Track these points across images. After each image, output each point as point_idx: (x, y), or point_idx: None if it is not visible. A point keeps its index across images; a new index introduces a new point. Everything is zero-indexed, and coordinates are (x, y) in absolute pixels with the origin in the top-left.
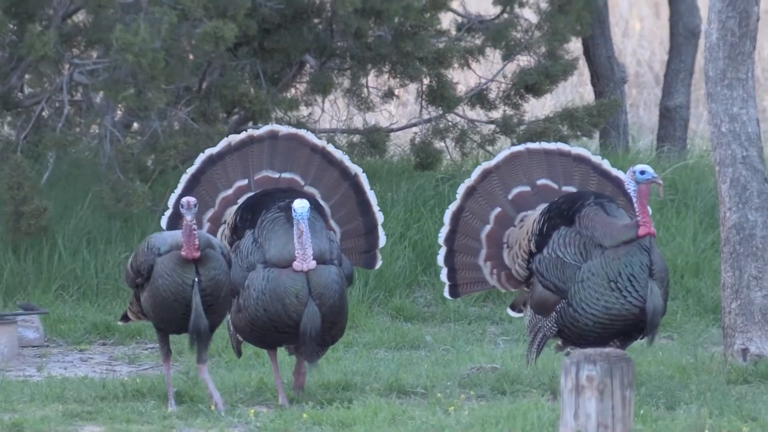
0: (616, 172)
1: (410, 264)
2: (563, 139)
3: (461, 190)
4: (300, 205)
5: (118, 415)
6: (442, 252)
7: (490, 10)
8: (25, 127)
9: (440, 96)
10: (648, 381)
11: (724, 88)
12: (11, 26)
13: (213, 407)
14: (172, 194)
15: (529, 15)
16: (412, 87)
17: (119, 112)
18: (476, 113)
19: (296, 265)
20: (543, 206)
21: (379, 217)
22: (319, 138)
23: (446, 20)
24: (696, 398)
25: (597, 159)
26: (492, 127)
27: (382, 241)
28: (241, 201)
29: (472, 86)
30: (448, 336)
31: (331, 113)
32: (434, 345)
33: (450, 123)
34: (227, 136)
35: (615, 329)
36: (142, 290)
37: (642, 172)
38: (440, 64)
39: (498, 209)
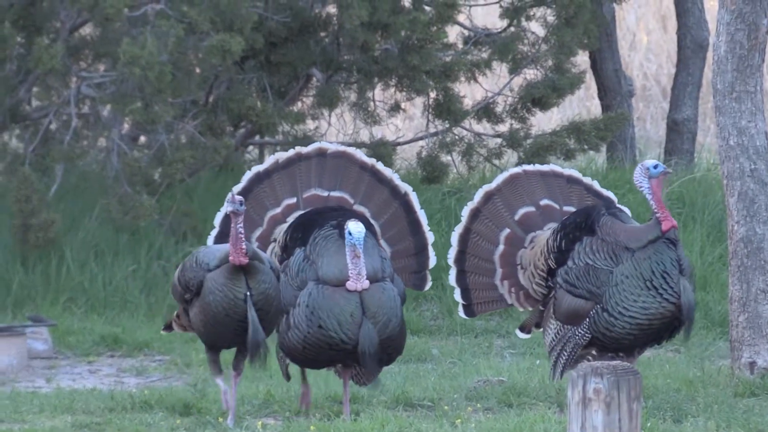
0: (606, 192)
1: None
2: (570, 153)
3: (466, 213)
4: (357, 229)
5: (126, 427)
6: (453, 273)
7: (497, 24)
8: (33, 139)
9: (447, 109)
10: (655, 394)
11: (733, 101)
12: (19, 39)
13: (220, 419)
14: (218, 213)
15: (536, 28)
16: (419, 100)
17: (126, 125)
18: (483, 127)
19: (350, 285)
20: (551, 225)
21: (430, 237)
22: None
23: (453, 34)
24: (703, 411)
25: (588, 180)
26: (499, 140)
27: (433, 261)
28: (290, 219)
29: (479, 100)
30: (454, 349)
31: (337, 127)
32: (441, 358)
33: (456, 136)
34: (274, 153)
35: (652, 330)
36: (190, 305)
37: (655, 166)
38: (447, 78)
39: (507, 230)
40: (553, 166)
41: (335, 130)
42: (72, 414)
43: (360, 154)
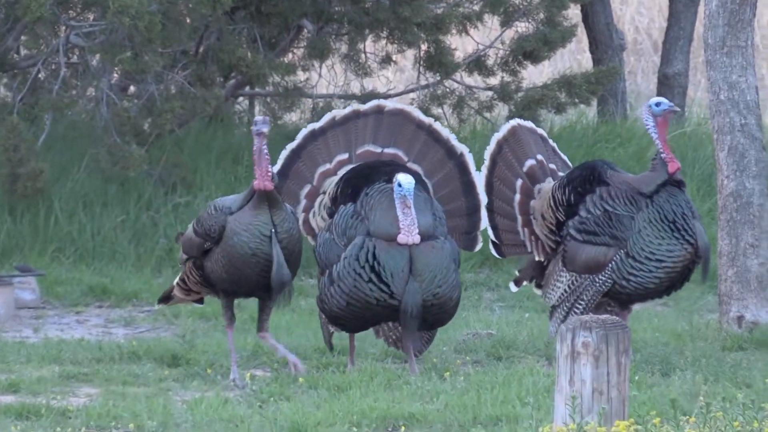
0: (563, 155)
1: None
2: (561, 106)
3: (487, 157)
4: (407, 180)
5: (114, 377)
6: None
7: None
8: (21, 88)
9: (438, 62)
10: (643, 348)
11: (724, 55)
12: None
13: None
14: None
15: None
16: (410, 53)
17: (116, 75)
18: (474, 80)
19: (401, 238)
20: (549, 179)
21: (483, 198)
22: (426, 115)
23: None
24: (691, 365)
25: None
26: (490, 93)
27: (484, 222)
28: (341, 172)
29: (470, 52)
30: None
31: (328, 78)
32: None
33: (448, 89)
34: (330, 111)
35: (675, 273)
36: (207, 257)
37: (657, 104)
38: (438, 30)
39: (520, 180)
40: (531, 124)
41: (326, 82)
42: (59, 364)
43: (418, 113)
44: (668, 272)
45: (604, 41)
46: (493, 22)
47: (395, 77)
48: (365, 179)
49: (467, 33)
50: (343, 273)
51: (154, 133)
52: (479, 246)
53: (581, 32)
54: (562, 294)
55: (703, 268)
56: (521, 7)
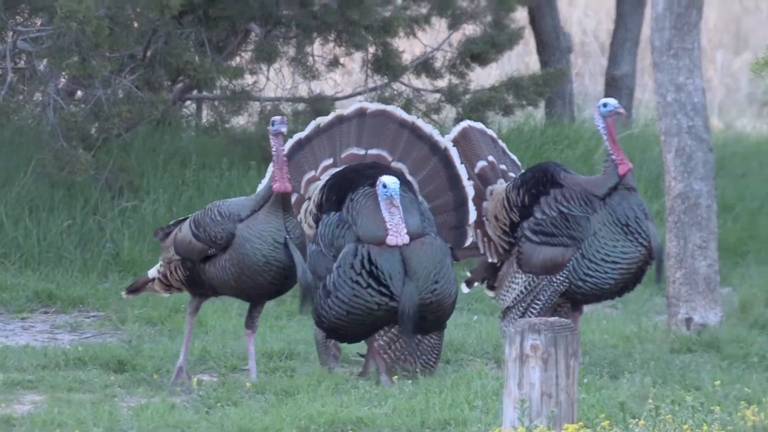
0: (512, 155)
1: None
2: (509, 109)
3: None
4: (391, 181)
5: (59, 384)
6: None
7: None
8: None
9: (386, 65)
10: (592, 350)
11: (670, 57)
12: None
13: (155, 375)
14: (260, 183)
15: None
16: (358, 56)
17: (63, 79)
18: (422, 82)
19: (390, 239)
20: (500, 180)
21: (469, 191)
22: (408, 113)
23: None
24: (640, 367)
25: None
26: (437, 96)
27: (473, 216)
28: (326, 177)
29: (418, 55)
30: None
31: (276, 82)
32: None
33: (395, 92)
34: (315, 119)
35: (630, 274)
36: (208, 262)
37: (605, 105)
38: (386, 33)
39: (472, 182)
40: (482, 125)
41: (273, 85)
42: (4, 371)
43: (400, 112)
44: (623, 273)
45: (552, 43)
46: (440, 24)
47: (343, 80)
48: (349, 184)
49: (415, 36)
50: (339, 283)
51: (101, 137)
52: (469, 241)
53: (528, 34)
54: (518, 295)
55: (657, 269)
56: (469, 9)
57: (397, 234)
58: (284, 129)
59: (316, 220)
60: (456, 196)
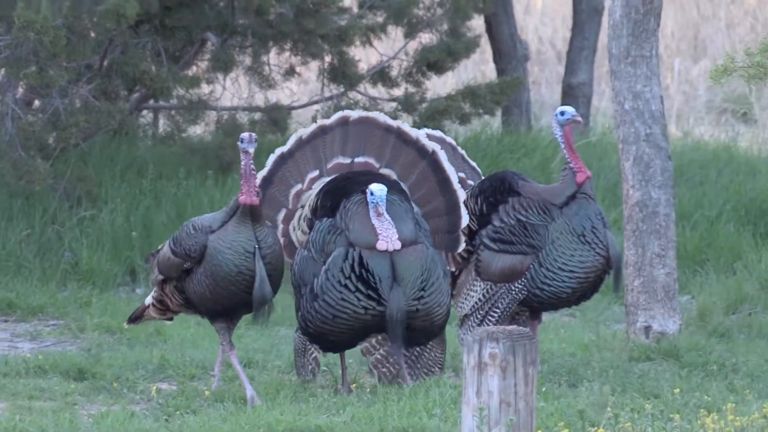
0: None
1: None
2: (466, 117)
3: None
4: (378, 188)
5: (20, 392)
6: None
7: None
8: None
9: (342, 74)
10: (550, 359)
11: (628, 65)
12: None
13: (114, 383)
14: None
15: None
16: (314, 65)
17: (21, 89)
18: (378, 91)
19: (380, 244)
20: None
21: (461, 194)
22: (392, 118)
23: None
24: (599, 376)
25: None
26: (394, 104)
27: (465, 220)
28: (317, 186)
29: (374, 64)
30: None
31: (232, 91)
32: None
33: (352, 101)
34: (296, 131)
35: (588, 283)
36: (187, 277)
37: (562, 113)
38: (342, 42)
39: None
40: (440, 133)
41: (230, 95)
42: None
43: (384, 118)
44: (581, 282)
45: (508, 52)
46: (396, 33)
47: (299, 89)
48: (343, 191)
49: (371, 44)
50: (327, 286)
51: (59, 147)
52: (462, 246)
53: (485, 43)
54: (476, 303)
55: (615, 277)
56: (425, 18)
57: (388, 239)
58: (251, 149)
59: (310, 226)
60: (447, 201)
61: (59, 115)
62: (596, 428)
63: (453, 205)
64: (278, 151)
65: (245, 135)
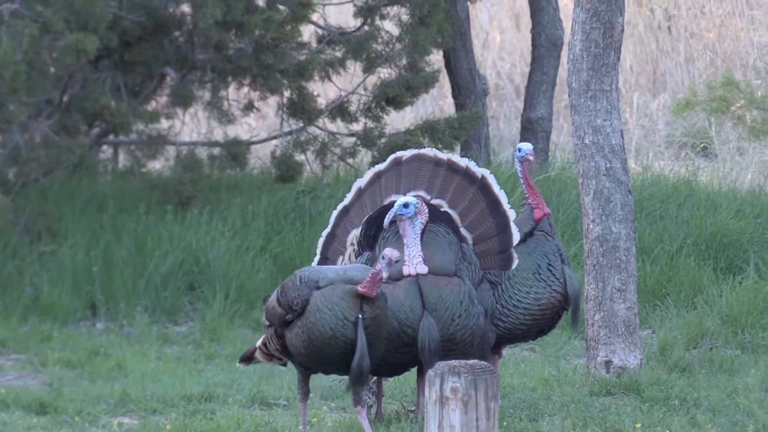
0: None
1: (271, 276)
2: None
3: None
4: (401, 200)
5: None
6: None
7: (351, 23)
8: None
9: (301, 108)
10: (511, 393)
11: (588, 99)
12: None
13: (76, 417)
14: (314, 260)
15: (390, 27)
16: (273, 99)
17: None
18: (337, 126)
19: (404, 269)
20: None
21: (511, 214)
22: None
23: (307, 33)
24: (559, 410)
25: None
26: (353, 139)
27: (516, 238)
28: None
29: (333, 99)
30: None
31: (191, 126)
32: None
33: (311, 136)
34: (356, 181)
35: (544, 320)
36: (288, 328)
37: (519, 149)
38: (301, 77)
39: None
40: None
41: (189, 129)
42: None
43: (434, 152)
44: (536, 319)
45: (467, 86)
46: (355, 68)
47: (258, 124)
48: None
49: (330, 79)
50: None
51: (20, 181)
52: (515, 263)
53: (444, 78)
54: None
55: (573, 315)
56: (384, 53)
57: (410, 263)
58: (385, 274)
59: (357, 257)
60: (497, 222)
61: (19, 150)
62: None
63: (503, 226)
64: (340, 206)
65: (387, 253)
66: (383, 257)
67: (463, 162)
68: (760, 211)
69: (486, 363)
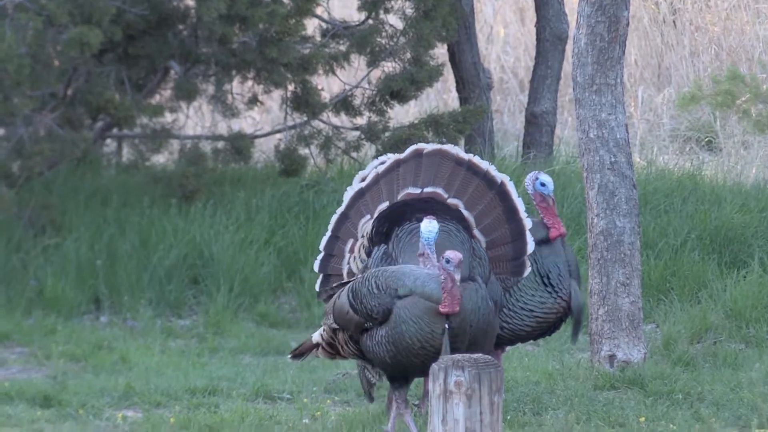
0: None
1: (275, 270)
2: None
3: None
4: (427, 229)
5: None
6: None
7: (355, 16)
8: None
9: (305, 102)
10: (515, 387)
11: (593, 93)
12: None
13: (80, 410)
14: (324, 237)
15: (394, 21)
16: (277, 93)
17: None
18: (341, 120)
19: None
20: None
21: (527, 223)
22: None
23: (311, 26)
24: (563, 404)
25: None
26: (357, 133)
27: (531, 247)
28: (377, 213)
29: (337, 93)
30: None
31: (195, 119)
32: None
33: (314, 130)
34: (375, 167)
35: (546, 324)
36: (365, 333)
37: (543, 184)
38: (305, 71)
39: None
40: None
41: (193, 123)
42: None
43: (456, 150)
44: (540, 322)
45: (471, 80)
46: (359, 62)
47: (262, 118)
48: (400, 216)
49: (334, 73)
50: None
51: (24, 175)
52: (528, 270)
53: (448, 71)
54: None
55: (574, 329)
56: (388, 47)
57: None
58: (457, 275)
59: (369, 253)
60: (513, 228)
61: (23, 143)
62: None
63: (519, 233)
64: (356, 186)
65: (451, 256)
66: (448, 261)
67: (484, 165)
68: (765, 205)
69: (490, 357)
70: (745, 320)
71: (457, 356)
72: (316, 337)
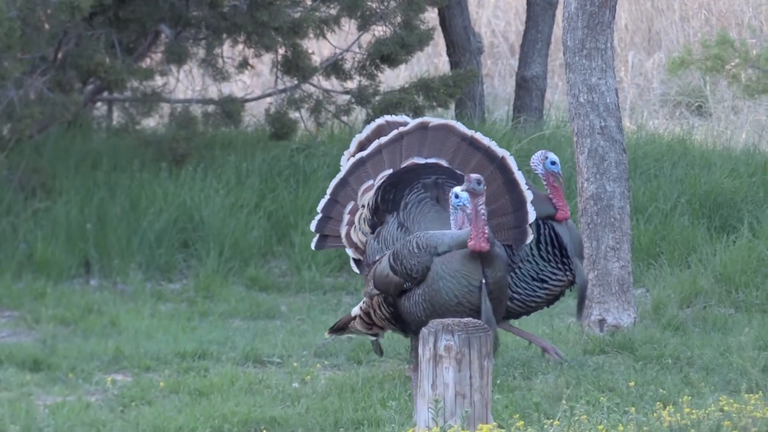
0: None
1: (265, 234)
2: (419, 110)
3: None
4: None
5: None
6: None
7: None
8: None
9: (295, 66)
10: (505, 351)
11: (583, 58)
12: None
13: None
14: (322, 200)
15: None
16: (267, 57)
17: None
18: (331, 84)
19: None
20: None
21: (528, 195)
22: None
23: None
24: (553, 368)
25: None
26: (347, 97)
27: (532, 216)
28: (380, 181)
29: (328, 56)
30: (303, 306)
31: (186, 83)
32: (289, 315)
33: (305, 93)
34: (378, 141)
35: (552, 297)
36: (404, 296)
37: (553, 162)
38: (295, 34)
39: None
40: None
41: (184, 87)
42: None
43: (461, 127)
44: (548, 293)
45: (462, 44)
46: (350, 26)
47: (253, 81)
48: (405, 184)
49: (324, 37)
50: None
51: (14, 138)
52: (530, 238)
53: (438, 36)
54: None
55: (579, 305)
56: (378, 11)
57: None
58: (481, 190)
59: (372, 226)
60: (513, 199)
61: (14, 106)
62: (551, 421)
63: (520, 203)
64: (358, 156)
65: (474, 176)
66: (468, 180)
67: (486, 141)
68: (755, 170)
69: (480, 321)
70: (735, 285)
71: (448, 320)
72: (355, 310)
